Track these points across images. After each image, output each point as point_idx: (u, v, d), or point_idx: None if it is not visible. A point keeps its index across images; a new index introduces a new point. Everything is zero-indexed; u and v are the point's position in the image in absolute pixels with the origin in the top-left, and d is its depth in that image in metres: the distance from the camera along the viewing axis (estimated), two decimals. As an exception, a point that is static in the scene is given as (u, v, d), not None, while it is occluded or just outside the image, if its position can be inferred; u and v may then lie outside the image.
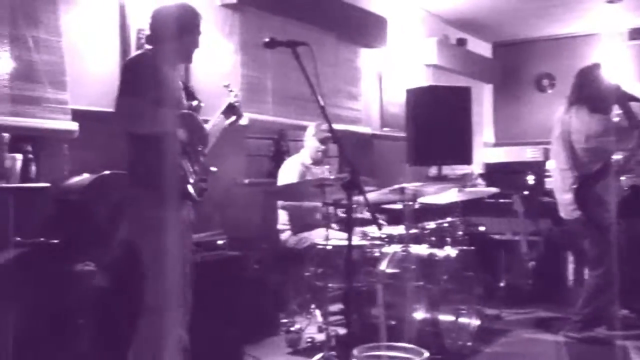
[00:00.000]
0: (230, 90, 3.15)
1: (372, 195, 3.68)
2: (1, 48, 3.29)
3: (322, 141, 4.43)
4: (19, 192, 3.27)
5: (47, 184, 3.42)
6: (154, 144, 2.49)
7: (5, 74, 3.30)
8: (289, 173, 4.43)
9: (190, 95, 2.76)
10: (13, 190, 3.26)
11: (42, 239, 3.10)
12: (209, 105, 3.05)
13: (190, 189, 2.64)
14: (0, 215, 3.10)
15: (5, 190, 3.23)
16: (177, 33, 2.57)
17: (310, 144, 4.51)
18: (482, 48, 8.98)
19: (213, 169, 2.78)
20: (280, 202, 4.40)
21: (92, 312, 3.04)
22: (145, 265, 2.56)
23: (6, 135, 3.34)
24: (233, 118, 3.04)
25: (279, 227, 4.51)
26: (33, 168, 3.43)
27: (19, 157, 3.38)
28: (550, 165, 4.98)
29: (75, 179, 3.45)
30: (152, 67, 2.49)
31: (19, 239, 3.11)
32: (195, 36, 2.68)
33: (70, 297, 3.02)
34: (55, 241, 3.10)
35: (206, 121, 2.80)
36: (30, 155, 3.43)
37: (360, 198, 2.54)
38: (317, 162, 4.53)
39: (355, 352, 2.94)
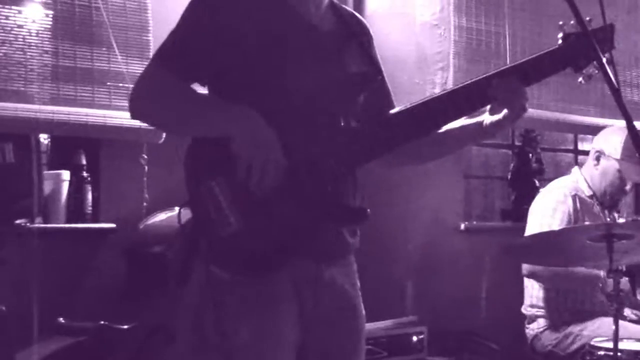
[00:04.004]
0: None
1: None
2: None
3: (631, 164, 3.69)
4: (63, 236, 2.98)
5: (113, 225, 3.08)
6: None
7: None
8: (548, 212, 3.70)
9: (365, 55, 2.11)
10: (52, 233, 2.91)
11: (103, 322, 2.78)
12: (402, 82, 2.91)
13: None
14: (24, 278, 2.74)
15: (38, 232, 2.84)
16: None
17: (604, 164, 3.80)
18: None
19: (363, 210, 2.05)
20: (527, 267, 3.64)
21: None
22: None
23: (44, 137, 3.00)
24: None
25: (525, 311, 3.79)
26: (89, 196, 3.06)
27: (66, 176, 2.99)
28: None
29: (160, 217, 2.98)
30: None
31: (62, 320, 2.80)
32: None
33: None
34: (125, 326, 2.81)
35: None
36: (85, 174, 3.02)
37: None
38: (607, 200, 3.82)
39: None
